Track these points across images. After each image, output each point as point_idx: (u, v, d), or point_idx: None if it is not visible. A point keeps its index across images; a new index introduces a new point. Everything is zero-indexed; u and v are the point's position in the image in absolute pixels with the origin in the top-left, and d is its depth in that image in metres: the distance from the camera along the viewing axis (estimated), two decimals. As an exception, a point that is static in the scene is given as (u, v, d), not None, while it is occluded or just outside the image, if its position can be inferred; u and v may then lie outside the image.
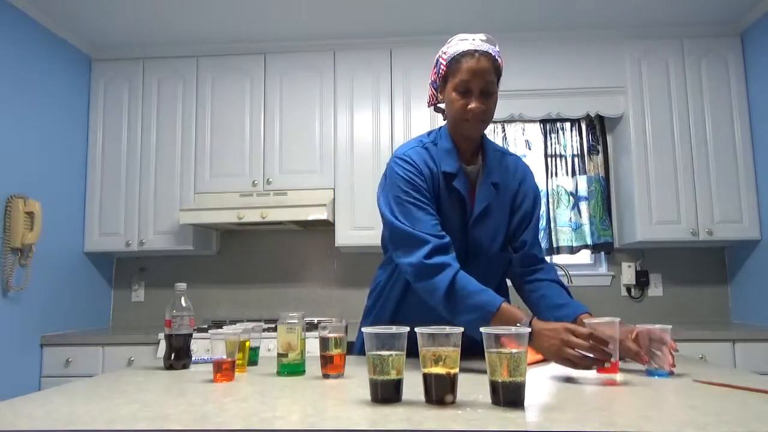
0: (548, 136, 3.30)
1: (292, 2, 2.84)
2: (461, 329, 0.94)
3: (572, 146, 3.29)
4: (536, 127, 3.33)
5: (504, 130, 3.33)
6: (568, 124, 3.30)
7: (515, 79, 3.13)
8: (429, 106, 1.50)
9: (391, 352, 0.94)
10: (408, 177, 1.37)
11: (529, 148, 3.34)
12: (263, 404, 0.94)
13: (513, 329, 0.93)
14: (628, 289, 3.25)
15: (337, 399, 0.98)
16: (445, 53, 1.40)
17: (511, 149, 3.30)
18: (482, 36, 1.39)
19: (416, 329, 0.95)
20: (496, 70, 1.37)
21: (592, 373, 1.18)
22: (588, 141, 3.27)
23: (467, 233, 1.42)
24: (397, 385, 0.95)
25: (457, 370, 0.92)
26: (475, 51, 1.34)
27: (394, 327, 0.96)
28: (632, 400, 0.94)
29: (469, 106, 1.34)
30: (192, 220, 2.98)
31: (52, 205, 2.88)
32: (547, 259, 3.15)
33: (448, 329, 0.94)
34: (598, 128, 3.28)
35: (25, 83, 2.77)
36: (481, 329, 0.94)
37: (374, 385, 0.95)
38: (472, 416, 0.84)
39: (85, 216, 3.19)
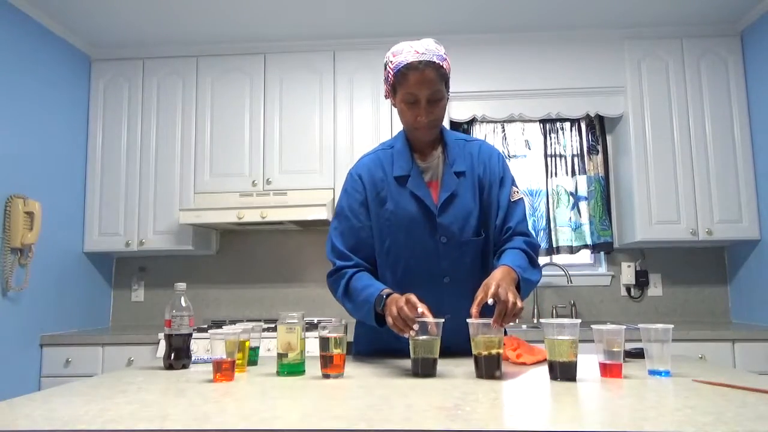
0: (548, 136, 3.30)
1: (292, 2, 2.84)
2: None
3: (572, 146, 3.29)
4: (536, 127, 3.33)
5: (504, 130, 3.33)
6: (567, 124, 3.30)
7: (515, 79, 3.13)
8: (386, 99, 1.55)
9: (428, 337, 1.21)
10: (349, 191, 1.55)
11: (529, 148, 3.34)
12: (263, 404, 0.94)
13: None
14: (628, 289, 3.25)
15: (337, 399, 0.98)
16: (391, 62, 1.43)
17: (511, 149, 3.32)
18: (427, 42, 1.42)
19: (468, 320, 1.21)
20: (442, 77, 1.41)
21: (594, 372, 1.19)
22: (588, 141, 3.27)
23: (435, 223, 1.46)
24: (433, 363, 1.21)
25: (501, 350, 1.19)
26: (419, 63, 1.38)
27: (429, 317, 1.21)
28: (632, 400, 0.94)
29: (418, 118, 1.43)
30: (192, 220, 2.98)
31: (51, 205, 2.88)
32: (546, 258, 3.20)
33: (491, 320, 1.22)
34: (597, 128, 3.28)
35: (25, 83, 2.77)
36: (542, 320, 1.20)
37: (415, 362, 1.21)
38: (472, 416, 0.84)
39: (84, 216, 3.19)
